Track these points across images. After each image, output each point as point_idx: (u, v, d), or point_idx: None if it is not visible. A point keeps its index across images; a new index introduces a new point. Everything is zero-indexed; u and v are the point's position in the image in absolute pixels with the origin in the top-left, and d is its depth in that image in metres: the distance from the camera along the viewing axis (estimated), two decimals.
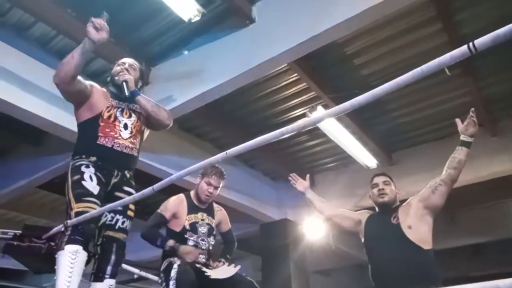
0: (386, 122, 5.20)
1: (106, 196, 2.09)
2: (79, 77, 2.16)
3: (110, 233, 2.11)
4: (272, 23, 3.41)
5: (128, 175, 2.23)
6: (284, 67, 4.10)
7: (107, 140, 2.14)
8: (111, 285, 2.09)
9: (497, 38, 0.94)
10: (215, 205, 2.88)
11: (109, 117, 2.20)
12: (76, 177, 2.03)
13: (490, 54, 3.86)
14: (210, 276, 2.43)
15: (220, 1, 3.47)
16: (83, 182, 2.01)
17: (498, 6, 3.45)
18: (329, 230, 6.63)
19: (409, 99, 4.72)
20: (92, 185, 2.02)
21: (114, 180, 2.15)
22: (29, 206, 6.71)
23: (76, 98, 2.22)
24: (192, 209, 2.73)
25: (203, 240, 2.66)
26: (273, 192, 6.46)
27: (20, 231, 2.23)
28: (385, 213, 2.49)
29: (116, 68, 2.36)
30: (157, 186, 1.66)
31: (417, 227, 2.34)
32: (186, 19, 3.28)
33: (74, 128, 2.31)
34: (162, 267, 2.50)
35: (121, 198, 2.07)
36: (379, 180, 2.55)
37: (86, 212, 1.90)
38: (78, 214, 1.91)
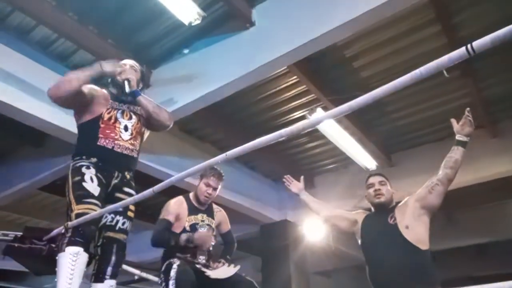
0: (386, 123, 5.21)
1: (106, 197, 2.10)
2: None
3: (110, 234, 2.11)
4: (272, 26, 3.43)
5: (128, 176, 2.24)
6: (284, 70, 4.11)
7: (107, 141, 2.15)
8: (112, 286, 2.09)
9: (496, 39, 0.94)
10: (214, 206, 2.89)
11: (110, 118, 2.21)
12: (77, 178, 2.04)
13: (490, 55, 3.87)
14: (210, 276, 2.44)
15: (220, 4, 3.49)
16: (84, 184, 2.01)
17: (497, 7, 3.46)
18: (329, 231, 6.63)
19: (408, 101, 4.73)
20: (92, 187, 2.02)
21: (114, 181, 2.16)
22: (30, 208, 6.71)
23: (75, 106, 2.23)
24: (192, 210, 2.73)
25: None
26: (273, 194, 6.47)
27: (21, 233, 2.23)
28: (381, 213, 2.47)
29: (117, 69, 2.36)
30: (157, 187, 1.66)
31: (414, 227, 2.32)
32: (186, 22, 3.30)
33: (75, 130, 2.32)
34: (162, 268, 2.50)
35: (121, 199, 2.08)
36: (374, 180, 2.53)
37: (87, 213, 1.91)
38: (78, 215, 1.91)
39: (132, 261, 6.00)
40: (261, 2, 3.51)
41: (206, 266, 2.60)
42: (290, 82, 4.41)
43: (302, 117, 4.70)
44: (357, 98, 1.19)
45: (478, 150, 4.48)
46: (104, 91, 2.33)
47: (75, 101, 2.18)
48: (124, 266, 2.72)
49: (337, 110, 1.27)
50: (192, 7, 3.19)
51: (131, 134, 2.24)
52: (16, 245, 2.17)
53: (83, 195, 1.99)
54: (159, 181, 1.75)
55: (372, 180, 2.54)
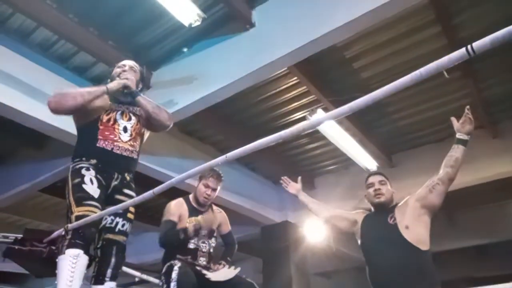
0: (386, 124, 5.21)
1: (106, 199, 2.09)
2: None
3: (110, 235, 2.11)
4: (272, 27, 3.43)
5: (128, 178, 2.23)
6: (284, 71, 4.11)
7: (106, 143, 2.15)
8: None
9: (496, 40, 0.94)
10: (214, 207, 2.89)
11: (108, 120, 2.20)
12: (77, 180, 2.04)
13: (490, 56, 3.87)
14: (211, 278, 2.44)
15: (220, 6, 3.49)
16: (84, 186, 2.01)
17: (497, 8, 3.46)
18: (329, 232, 6.63)
19: (409, 102, 4.73)
20: (92, 189, 2.02)
21: (114, 183, 2.16)
22: (31, 210, 6.72)
23: (75, 114, 2.24)
24: (192, 212, 2.73)
25: (203, 242, 2.66)
26: (274, 195, 6.47)
27: (21, 235, 2.23)
28: (381, 213, 2.43)
29: (116, 70, 2.36)
30: (157, 189, 1.66)
31: (415, 227, 2.29)
32: (186, 24, 3.30)
33: (76, 131, 2.32)
34: (163, 270, 2.50)
35: (121, 201, 2.08)
36: (374, 179, 2.49)
37: (87, 215, 1.90)
38: (78, 218, 1.91)
39: (132, 263, 6.00)
40: (261, 4, 3.52)
41: (207, 268, 2.60)
42: (290, 83, 4.41)
43: (303, 118, 4.70)
44: (357, 99, 1.19)
45: (479, 151, 4.48)
46: None
47: (76, 112, 2.20)
48: (124, 268, 2.71)
49: (338, 111, 1.27)
50: (192, 9, 3.20)
51: (131, 135, 2.23)
52: (16, 247, 2.17)
53: (83, 197, 1.98)
54: (160, 182, 1.74)
55: (372, 179, 2.51)
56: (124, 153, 2.18)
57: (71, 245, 1.89)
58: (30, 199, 6.32)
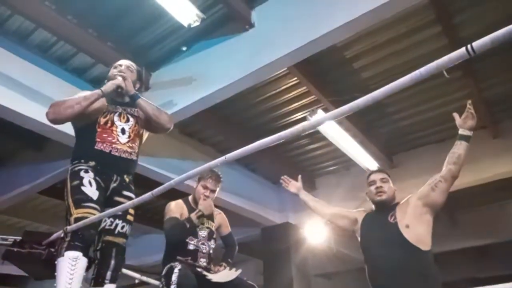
0: (387, 125, 5.20)
1: (105, 200, 2.09)
2: None
3: (110, 237, 2.10)
4: (272, 28, 3.42)
5: (127, 180, 2.22)
6: (284, 71, 4.10)
7: (104, 145, 2.14)
8: None
9: (496, 40, 0.93)
10: (214, 208, 2.88)
11: (106, 122, 2.19)
12: (75, 182, 2.03)
13: (491, 56, 3.87)
14: (211, 280, 2.43)
15: (219, 6, 3.48)
16: (83, 188, 2.00)
17: (498, 8, 3.45)
18: (330, 233, 6.62)
19: (409, 102, 4.72)
20: (91, 191, 2.01)
21: (113, 185, 2.15)
22: (30, 212, 6.71)
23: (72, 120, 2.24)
24: (192, 212, 2.72)
25: (203, 244, 2.66)
26: (274, 196, 6.46)
27: (20, 237, 2.22)
28: (382, 211, 2.38)
29: (113, 71, 2.35)
30: (156, 191, 1.65)
31: (415, 226, 2.24)
32: (185, 24, 3.29)
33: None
34: (163, 272, 2.49)
35: (120, 202, 2.07)
36: (376, 177, 2.44)
37: (86, 217, 1.89)
38: (77, 220, 1.90)
39: (132, 264, 5.99)
40: (261, 4, 3.51)
41: (207, 269, 2.59)
42: (290, 84, 4.40)
43: (303, 119, 4.69)
44: (357, 99, 1.18)
45: (480, 151, 4.46)
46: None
47: (75, 119, 2.20)
48: (124, 270, 2.70)
49: (338, 112, 1.26)
50: (191, 9, 3.19)
51: (129, 136, 2.22)
52: (15, 249, 2.16)
53: (82, 199, 1.98)
54: (159, 184, 1.73)
55: (373, 177, 2.46)
56: (123, 155, 2.17)
57: (70, 247, 1.88)
58: (30, 201, 6.32)
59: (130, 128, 2.24)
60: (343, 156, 5.45)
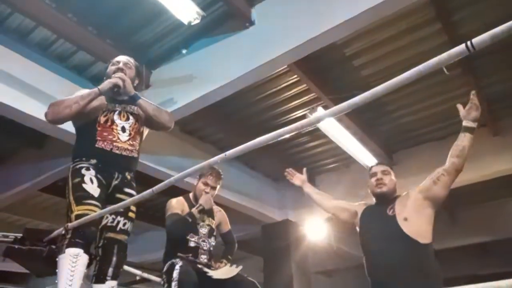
0: (387, 122, 5.20)
1: (107, 198, 2.09)
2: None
3: (111, 234, 2.11)
4: (272, 25, 3.42)
5: (128, 177, 2.23)
6: (284, 69, 4.10)
7: (105, 143, 2.14)
8: (113, 287, 2.09)
9: (495, 36, 0.93)
10: (214, 206, 2.89)
11: (106, 121, 2.19)
12: (77, 180, 2.04)
13: (491, 53, 3.86)
14: (212, 276, 2.44)
15: (219, 4, 3.48)
16: (84, 185, 2.01)
17: (497, 5, 3.44)
18: (330, 230, 6.63)
19: (409, 99, 4.72)
20: (92, 188, 2.02)
21: (114, 182, 2.15)
22: (31, 209, 6.72)
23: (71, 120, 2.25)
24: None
25: (204, 241, 2.67)
26: (274, 193, 6.47)
27: (21, 235, 2.23)
28: (382, 204, 2.34)
29: (111, 68, 2.34)
30: (157, 188, 1.66)
31: (414, 219, 2.19)
32: (186, 22, 3.29)
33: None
34: (164, 269, 2.50)
35: (122, 200, 2.07)
36: (377, 169, 2.41)
37: (87, 214, 1.90)
38: (78, 216, 1.91)
39: (134, 261, 6.01)
40: (261, 1, 3.50)
41: (208, 266, 2.60)
42: (291, 81, 4.40)
43: (303, 116, 4.69)
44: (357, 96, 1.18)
45: (480, 148, 4.45)
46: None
47: (73, 119, 2.21)
48: (126, 267, 2.71)
49: (337, 109, 1.26)
50: (191, 7, 3.18)
51: (129, 134, 2.22)
52: (16, 246, 2.17)
53: (83, 196, 1.98)
54: (160, 181, 1.74)
55: (374, 169, 2.43)
56: (124, 153, 2.18)
57: (71, 244, 1.89)
58: (30, 198, 6.33)
59: (130, 126, 2.24)
60: (343, 153, 5.45)
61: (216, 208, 2.90)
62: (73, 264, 1.83)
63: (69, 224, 1.92)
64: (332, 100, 4.36)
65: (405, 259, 2.12)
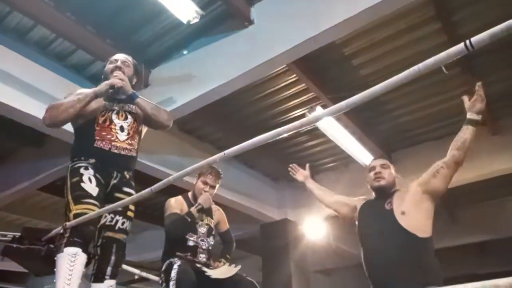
0: (386, 121, 5.20)
1: (105, 197, 2.09)
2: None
3: (110, 233, 2.11)
4: (271, 25, 3.41)
5: (127, 176, 2.22)
6: (283, 68, 4.10)
7: (104, 143, 2.14)
8: (111, 286, 2.09)
9: (494, 35, 0.93)
10: (213, 205, 2.89)
11: (104, 121, 2.19)
12: (75, 179, 2.03)
13: (490, 52, 3.86)
14: (211, 276, 2.43)
15: (218, 3, 3.48)
16: (82, 184, 2.01)
17: (497, 4, 3.44)
18: (329, 229, 6.63)
19: (408, 99, 4.72)
20: (91, 187, 2.02)
21: (113, 182, 2.15)
22: (30, 209, 6.71)
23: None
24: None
25: (202, 240, 2.67)
26: (273, 193, 6.47)
27: (20, 233, 2.23)
28: (380, 198, 2.31)
29: (109, 66, 2.33)
30: (155, 187, 1.66)
31: (412, 213, 2.14)
32: (185, 21, 3.28)
33: None
34: (163, 268, 2.50)
35: (121, 199, 2.07)
36: (376, 163, 2.39)
37: (85, 213, 1.90)
38: (76, 216, 1.91)
39: (132, 260, 6.01)
40: (260, 1, 3.50)
41: (207, 265, 2.60)
42: (289, 81, 4.40)
43: (302, 116, 4.69)
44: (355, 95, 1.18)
45: (479, 148, 4.45)
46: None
47: (71, 120, 2.21)
48: (124, 266, 2.71)
49: (336, 108, 1.26)
50: (190, 6, 3.18)
51: (128, 134, 2.22)
52: (14, 245, 2.17)
53: (81, 195, 1.98)
54: (159, 180, 1.74)
55: (373, 163, 2.41)
56: (122, 152, 2.17)
57: (69, 243, 1.89)
58: (29, 197, 6.32)
59: (129, 126, 2.24)
60: (342, 153, 5.46)
61: (214, 207, 2.90)
62: (71, 263, 1.83)
63: (67, 223, 1.91)
64: (331, 99, 4.36)
65: (403, 253, 2.08)
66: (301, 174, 2.82)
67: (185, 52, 3.83)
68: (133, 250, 6.57)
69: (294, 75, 4.26)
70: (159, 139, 4.38)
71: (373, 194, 2.42)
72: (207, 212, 2.79)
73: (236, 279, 2.48)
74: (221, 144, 5.42)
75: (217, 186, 2.81)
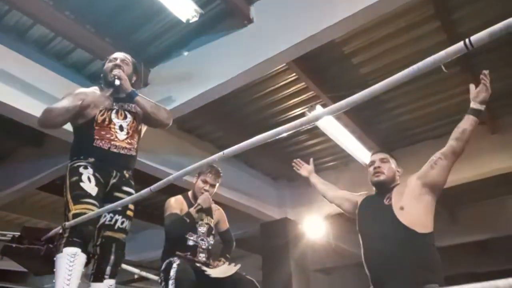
0: (385, 120, 5.20)
1: (105, 196, 2.09)
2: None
3: (109, 233, 2.11)
4: (271, 23, 3.41)
5: (127, 175, 2.22)
6: (282, 67, 4.10)
7: (103, 142, 2.14)
8: (111, 285, 2.09)
9: (494, 34, 0.93)
10: (213, 205, 2.89)
11: (103, 120, 2.19)
12: (74, 178, 2.03)
13: (490, 51, 3.86)
14: (211, 275, 2.43)
15: (218, 2, 3.47)
16: (81, 184, 2.01)
17: (497, 3, 3.44)
18: (329, 228, 6.63)
19: (408, 98, 4.72)
20: (90, 186, 2.01)
21: (113, 181, 2.15)
22: (30, 208, 6.71)
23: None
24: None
25: (202, 239, 2.67)
26: (273, 192, 6.47)
27: (19, 233, 2.23)
28: (380, 193, 2.26)
29: (108, 65, 2.33)
30: (155, 186, 1.65)
31: (411, 208, 2.09)
32: (184, 20, 3.27)
33: None
34: (162, 267, 2.50)
35: (120, 198, 2.07)
36: (376, 157, 2.33)
37: (84, 213, 1.90)
38: (75, 216, 1.90)
39: (132, 260, 6.01)
40: None
41: (206, 264, 2.60)
42: (289, 79, 4.40)
43: (302, 115, 4.68)
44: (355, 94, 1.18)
45: (479, 146, 4.47)
46: (95, 91, 2.30)
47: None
48: (124, 265, 2.71)
49: (335, 107, 1.26)
50: (189, 5, 3.17)
51: (127, 133, 2.22)
52: (13, 245, 2.17)
53: (80, 195, 1.98)
54: (158, 180, 1.73)
55: (373, 157, 2.36)
56: (122, 151, 2.17)
57: (68, 243, 1.89)
58: (29, 197, 6.32)
59: (128, 125, 2.23)
60: (342, 152, 5.45)
61: (214, 207, 2.90)
62: (70, 263, 1.83)
63: (67, 223, 1.91)
64: (331, 98, 4.36)
65: (402, 250, 2.02)
66: (305, 169, 2.79)
67: (185, 53, 3.83)
68: (132, 250, 6.59)
69: (294, 74, 4.25)
70: (159, 138, 4.37)
71: (374, 189, 2.38)
72: (207, 211, 2.79)
73: (236, 278, 2.48)
74: (221, 143, 5.41)
75: (217, 185, 2.81)
